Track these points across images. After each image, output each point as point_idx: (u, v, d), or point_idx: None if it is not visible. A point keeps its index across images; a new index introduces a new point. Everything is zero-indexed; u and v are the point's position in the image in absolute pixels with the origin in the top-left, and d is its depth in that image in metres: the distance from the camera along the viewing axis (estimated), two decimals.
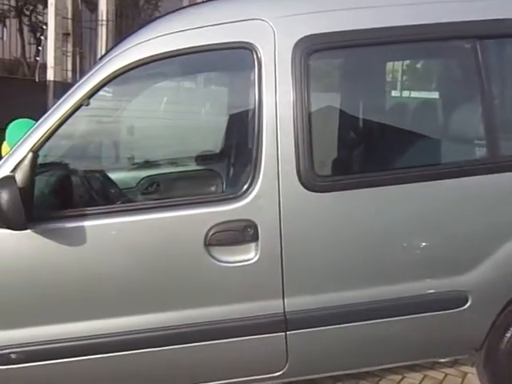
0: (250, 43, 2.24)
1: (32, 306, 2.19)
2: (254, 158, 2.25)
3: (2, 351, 2.16)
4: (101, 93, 2.25)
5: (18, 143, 2.18)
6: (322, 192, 2.28)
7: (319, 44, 2.27)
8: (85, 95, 2.18)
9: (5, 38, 21.23)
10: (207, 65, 2.62)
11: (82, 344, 2.22)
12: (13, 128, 3.27)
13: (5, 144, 3.32)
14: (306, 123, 2.23)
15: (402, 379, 3.16)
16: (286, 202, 2.25)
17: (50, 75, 8.38)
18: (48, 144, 2.20)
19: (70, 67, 9.59)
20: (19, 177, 2.05)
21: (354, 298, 2.36)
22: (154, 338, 2.27)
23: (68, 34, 9.77)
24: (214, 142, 3.74)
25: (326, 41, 2.27)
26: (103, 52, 9.22)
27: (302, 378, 2.59)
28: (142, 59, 2.21)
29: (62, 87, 8.40)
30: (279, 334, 2.32)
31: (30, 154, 2.11)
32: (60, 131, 2.20)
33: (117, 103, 2.92)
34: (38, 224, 2.09)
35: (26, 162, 2.09)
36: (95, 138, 3.07)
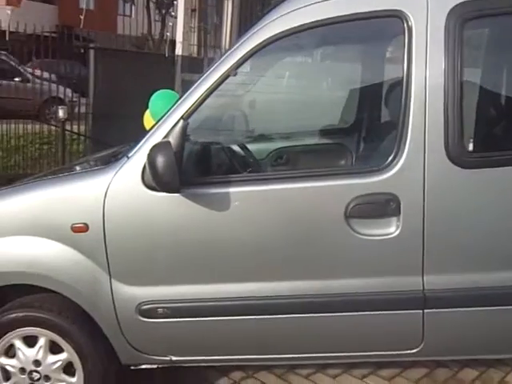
0: (401, 11, 2.16)
1: (178, 266, 2.31)
2: (400, 131, 2.19)
3: (150, 306, 2.31)
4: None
5: (170, 111, 2.28)
6: (470, 168, 2.18)
7: (476, 11, 2.14)
8: (233, 65, 2.23)
9: (133, 16, 22.40)
10: (353, 35, 2.57)
11: (220, 305, 2.32)
12: (155, 98, 3.42)
13: (147, 113, 3.49)
14: (458, 95, 2.13)
15: None
16: (432, 177, 2.17)
17: (179, 50, 8.71)
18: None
19: (195, 42, 9.89)
20: (172, 143, 2.15)
21: (495, 281, 2.25)
22: (288, 306, 2.31)
23: (194, 10, 10.06)
24: (344, 115, 3.71)
25: (483, 7, 2.14)
26: (228, 27, 9.42)
27: (436, 358, 2.54)
28: (290, 29, 2.21)
29: (189, 61, 8.71)
30: (417, 311, 2.27)
31: (181, 122, 2.20)
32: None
33: (254, 75, 2.96)
34: (187, 188, 2.19)
35: (178, 128, 2.19)
36: (231, 110, 3.14)
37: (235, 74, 2.25)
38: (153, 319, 2.32)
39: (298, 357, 2.52)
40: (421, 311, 2.27)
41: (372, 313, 2.28)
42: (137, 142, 2.33)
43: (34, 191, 2.41)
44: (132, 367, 2.54)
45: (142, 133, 2.59)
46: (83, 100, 7.72)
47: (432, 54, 2.15)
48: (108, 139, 6.20)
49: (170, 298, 2.31)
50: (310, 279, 2.30)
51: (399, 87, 2.24)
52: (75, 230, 2.26)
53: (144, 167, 2.21)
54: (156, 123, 2.32)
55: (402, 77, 2.20)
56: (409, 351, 2.37)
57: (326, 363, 2.99)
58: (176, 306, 2.32)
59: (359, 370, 3.04)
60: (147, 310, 2.31)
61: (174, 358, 2.44)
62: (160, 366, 2.52)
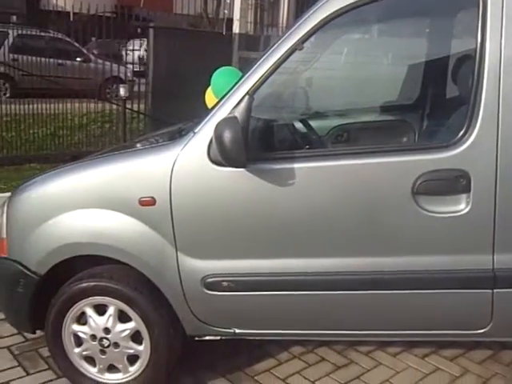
0: None
1: (242, 240, 2.33)
2: (471, 106, 2.12)
3: (214, 279, 2.34)
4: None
5: (235, 87, 2.28)
6: None
7: None
8: (299, 40, 2.21)
9: None
10: (423, 6, 2.50)
11: (283, 280, 2.33)
12: (217, 75, 3.44)
13: (209, 90, 3.52)
14: None
15: None
16: (505, 153, 2.10)
17: (236, 27, 8.69)
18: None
19: (251, 19, 9.85)
20: (238, 118, 2.15)
21: None
22: (352, 282, 2.31)
23: None
24: (408, 91, 3.62)
25: None
26: (285, 4, 9.30)
27: (503, 339, 2.49)
28: (357, 2, 2.16)
29: (246, 39, 8.70)
30: (486, 290, 2.22)
31: (247, 97, 2.20)
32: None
33: (317, 51, 2.92)
34: (252, 163, 2.20)
35: (243, 104, 2.19)
36: (294, 86, 3.12)
37: (301, 49, 2.22)
38: (217, 292, 2.36)
39: (360, 333, 2.53)
40: (490, 291, 2.22)
41: (439, 291, 2.25)
42: (202, 117, 2.35)
43: (103, 166, 2.49)
44: (196, 338, 2.61)
45: (200, 110, 2.61)
46: (142, 79, 7.86)
47: (508, 26, 2.06)
48: (166, 117, 6.30)
49: (235, 272, 2.34)
50: (374, 256, 2.28)
51: (471, 61, 2.17)
52: (143, 203, 2.32)
53: (210, 142, 2.23)
54: (221, 99, 2.33)
55: (475, 50, 2.12)
56: (476, 331, 2.32)
57: (386, 341, 2.99)
58: (240, 279, 2.34)
59: (420, 349, 3.02)
60: (212, 283, 2.35)
61: (237, 331, 2.48)
62: (223, 337, 2.57)
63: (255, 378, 2.78)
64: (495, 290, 2.22)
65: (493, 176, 2.11)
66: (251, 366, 2.86)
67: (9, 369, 2.79)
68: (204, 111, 2.45)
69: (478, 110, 2.11)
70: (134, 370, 2.54)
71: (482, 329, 2.30)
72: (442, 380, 2.78)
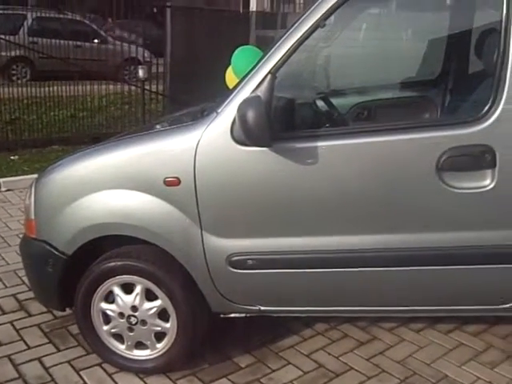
0: None
1: (266, 219, 2.35)
2: (496, 80, 2.11)
3: (239, 257, 2.37)
4: None
5: (257, 66, 2.27)
6: None
7: None
8: (322, 16, 2.19)
9: None
10: None
11: (306, 257, 2.36)
12: (238, 55, 3.42)
13: (229, 70, 3.50)
14: None
15: None
16: None
17: (253, 6, 8.65)
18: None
19: None
20: (261, 97, 2.16)
21: None
22: (371, 259, 2.32)
23: None
24: (429, 67, 3.58)
25: None
26: None
27: None
28: None
29: (263, 17, 8.64)
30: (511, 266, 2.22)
31: (269, 76, 2.20)
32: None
33: (338, 28, 2.90)
34: (275, 142, 2.20)
35: (266, 83, 2.20)
36: (315, 63, 3.10)
37: (324, 26, 2.20)
38: (243, 270, 2.39)
39: (384, 309, 2.55)
40: None
41: (464, 267, 2.26)
42: (224, 97, 2.36)
43: (128, 147, 2.51)
44: (222, 315, 2.65)
45: (219, 90, 2.60)
46: (160, 60, 7.85)
47: None
48: (185, 98, 6.31)
49: (259, 250, 2.37)
50: (398, 233, 2.29)
51: (495, 34, 2.15)
52: (168, 183, 2.34)
53: (233, 122, 2.24)
54: (243, 78, 2.32)
55: (500, 22, 2.09)
56: (500, 306, 2.32)
57: (409, 317, 3.01)
58: (265, 258, 2.37)
59: (443, 324, 3.03)
60: (237, 262, 2.38)
61: (262, 308, 2.52)
62: (248, 315, 2.61)
63: (280, 354, 2.82)
64: None
65: None
66: (276, 343, 2.90)
67: (40, 345, 2.87)
68: (224, 91, 2.45)
69: (504, 84, 2.09)
70: (162, 346, 2.59)
71: (507, 304, 2.31)
72: (465, 355, 2.79)
